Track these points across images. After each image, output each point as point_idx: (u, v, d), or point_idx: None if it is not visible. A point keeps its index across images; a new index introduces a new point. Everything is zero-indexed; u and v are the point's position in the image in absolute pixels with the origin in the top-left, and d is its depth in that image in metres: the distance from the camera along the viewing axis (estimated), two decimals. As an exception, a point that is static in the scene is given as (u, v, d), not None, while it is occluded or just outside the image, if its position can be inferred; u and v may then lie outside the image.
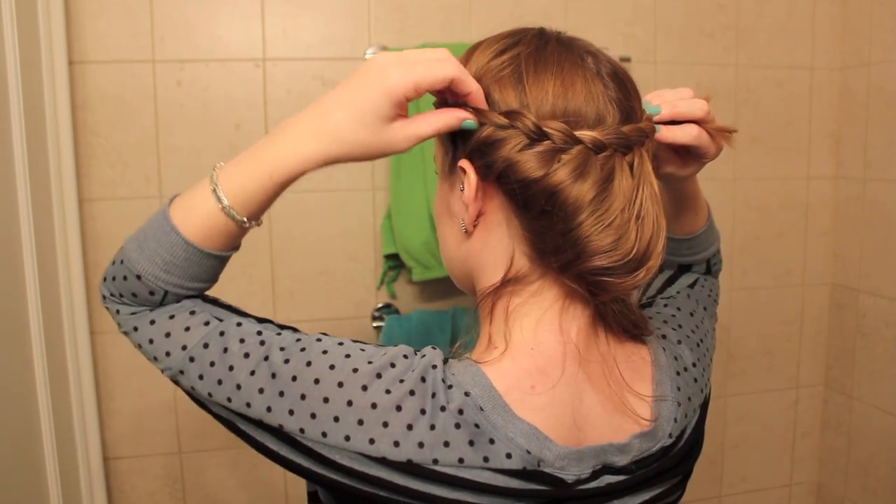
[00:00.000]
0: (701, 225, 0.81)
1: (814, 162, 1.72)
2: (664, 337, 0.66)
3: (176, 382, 0.60)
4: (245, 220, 0.57)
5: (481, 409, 0.52)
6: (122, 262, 0.58)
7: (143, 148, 1.36)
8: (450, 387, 0.53)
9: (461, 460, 0.51)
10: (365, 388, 0.52)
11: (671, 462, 0.61)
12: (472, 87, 0.53)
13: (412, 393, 0.52)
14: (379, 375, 0.53)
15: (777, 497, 1.83)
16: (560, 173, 0.51)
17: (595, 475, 0.56)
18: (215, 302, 0.62)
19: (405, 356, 0.55)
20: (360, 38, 1.42)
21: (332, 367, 0.54)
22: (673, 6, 1.57)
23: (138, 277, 0.57)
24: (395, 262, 1.45)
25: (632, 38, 1.56)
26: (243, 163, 0.56)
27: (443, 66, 0.52)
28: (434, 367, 0.54)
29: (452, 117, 0.53)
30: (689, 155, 0.65)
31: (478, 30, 1.47)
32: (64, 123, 1.26)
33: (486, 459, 0.52)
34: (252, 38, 1.38)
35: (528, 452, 0.52)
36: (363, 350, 0.56)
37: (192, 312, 0.59)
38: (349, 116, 0.53)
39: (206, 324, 0.58)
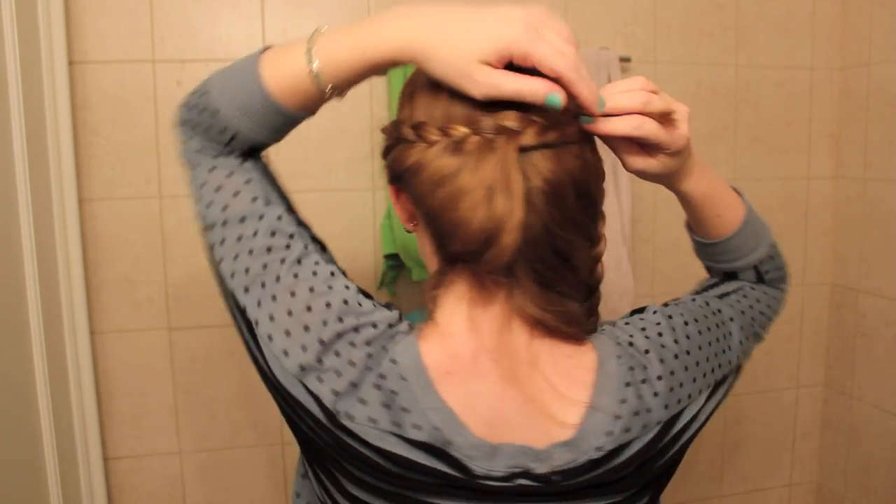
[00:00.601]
0: (731, 228, 0.75)
1: (814, 162, 1.72)
2: (630, 344, 0.60)
3: (203, 234, 0.61)
4: (328, 88, 0.57)
5: (404, 379, 0.53)
6: (203, 94, 0.60)
7: (143, 148, 1.36)
8: (387, 350, 0.54)
9: (372, 420, 0.53)
10: (325, 322, 0.54)
11: (608, 477, 0.55)
12: (580, 90, 0.52)
13: (353, 345, 0.54)
14: (341, 319, 0.54)
15: (777, 497, 1.83)
16: (426, 155, 0.53)
17: (510, 478, 0.54)
18: (274, 181, 0.64)
19: (390, 324, 0.56)
20: (360, 38, 1.42)
21: (311, 289, 0.55)
22: (673, 6, 1.57)
23: (215, 113, 0.58)
24: (394, 262, 1.45)
25: (632, 38, 1.56)
26: (344, 32, 0.56)
27: (560, 61, 0.50)
28: (390, 326, 0.56)
29: (542, 89, 0.50)
30: (650, 148, 0.61)
31: (478, 30, 1.47)
32: (64, 123, 1.26)
33: (396, 425, 0.53)
34: (252, 38, 1.38)
35: (437, 430, 0.53)
36: (360, 302, 0.56)
37: (248, 181, 0.60)
38: (458, 36, 0.51)
39: (254, 200, 0.59)
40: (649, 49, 1.57)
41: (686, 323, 0.64)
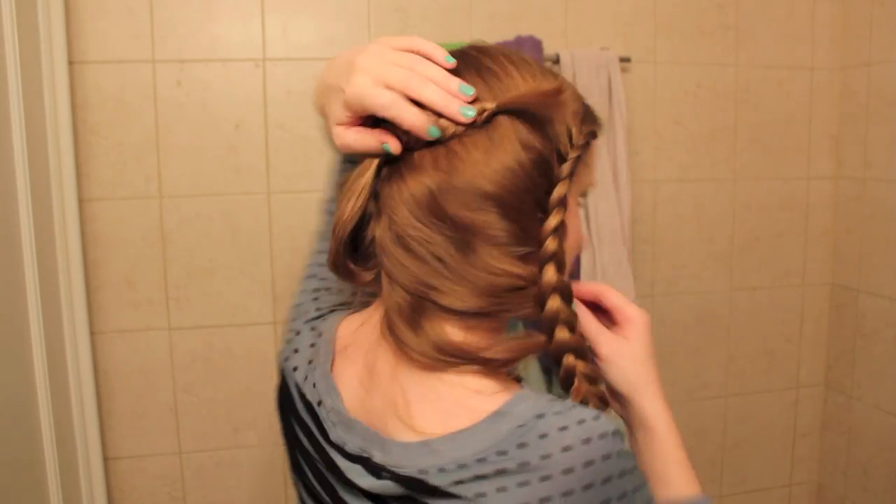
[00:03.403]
0: (673, 492, 0.67)
1: (814, 162, 1.72)
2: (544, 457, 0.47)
3: None
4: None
5: (321, 337, 0.63)
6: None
7: (143, 148, 1.36)
8: (325, 318, 0.65)
9: (296, 368, 0.63)
10: (297, 305, 0.69)
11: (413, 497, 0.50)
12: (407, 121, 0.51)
13: (313, 329, 0.65)
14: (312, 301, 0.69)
15: (777, 497, 1.83)
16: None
17: (354, 458, 0.53)
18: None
19: (343, 302, 0.67)
20: (360, 38, 1.42)
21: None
22: (673, 6, 1.57)
23: None
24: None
25: (632, 38, 1.56)
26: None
27: (386, 109, 0.50)
28: (342, 304, 0.67)
29: (375, 143, 0.53)
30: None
31: (478, 30, 1.47)
32: (64, 123, 1.26)
33: (305, 378, 0.61)
34: (252, 38, 1.38)
35: (315, 387, 0.59)
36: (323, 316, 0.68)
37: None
38: (328, 105, 0.56)
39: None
40: (649, 49, 1.57)
41: None
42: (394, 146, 0.52)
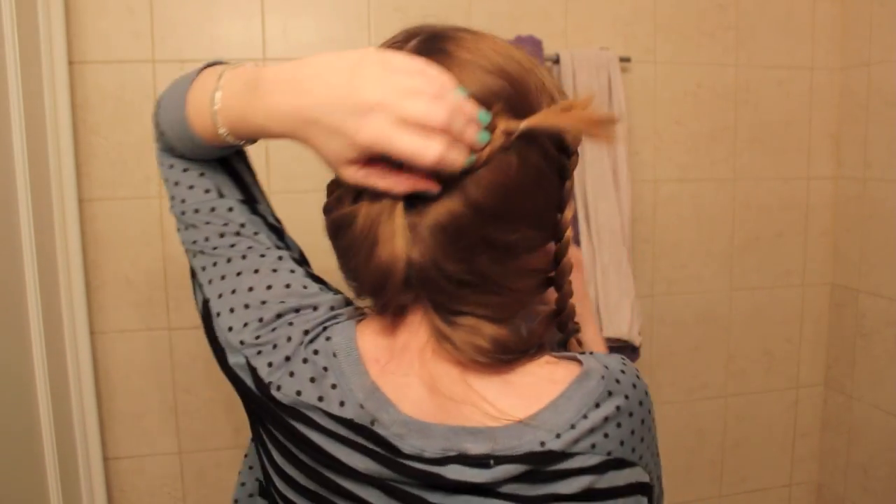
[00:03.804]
0: None
1: (814, 162, 1.72)
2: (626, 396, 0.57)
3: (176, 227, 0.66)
4: (225, 134, 0.57)
5: (335, 356, 0.55)
6: (157, 104, 0.64)
7: (143, 148, 1.36)
8: (325, 329, 0.57)
9: (298, 393, 0.55)
10: (264, 302, 0.58)
11: (550, 476, 0.52)
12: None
13: (291, 324, 0.57)
14: (282, 301, 0.58)
15: (777, 497, 1.83)
16: (330, 200, 0.66)
17: (443, 461, 0.52)
18: (236, 173, 0.65)
19: (332, 307, 0.60)
20: (360, 38, 1.42)
21: (256, 271, 0.60)
22: (673, 6, 1.57)
23: (158, 125, 0.63)
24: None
25: (632, 38, 1.56)
26: (243, 92, 0.56)
27: (403, 151, 0.47)
28: (332, 308, 0.59)
29: (392, 188, 0.50)
30: None
31: (477, 30, 1.47)
32: (64, 123, 1.26)
33: (320, 399, 0.54)
34: (252, 37, 1.38)
35: (362, 407, 0.54)
36: (305, 285, 0.60)
37: (202, 174, 0.64)
38: (328, 142, 0.50)
39: (207, 191, 0.63)
40: (649, 49, 1.57)
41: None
42: (434, 187, 0.50)
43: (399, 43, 0.58)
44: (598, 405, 0.54)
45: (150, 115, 1.34)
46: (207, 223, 0.62)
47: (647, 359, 1.65)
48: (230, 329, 0.58)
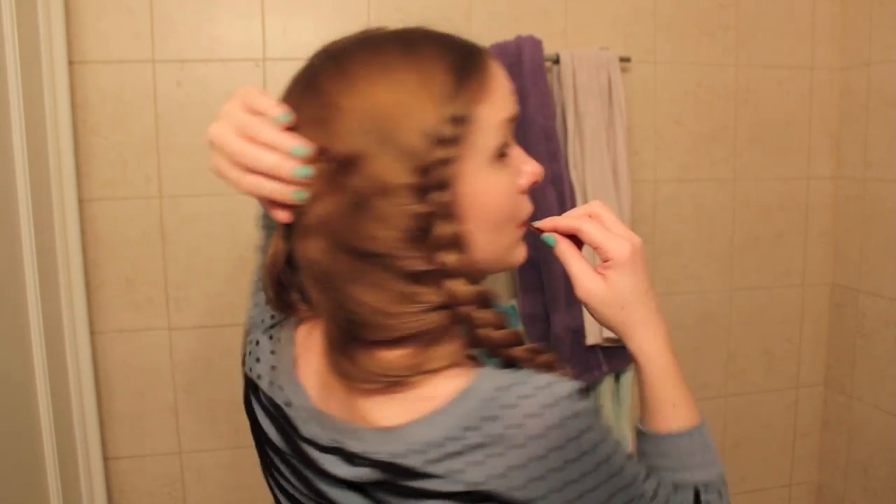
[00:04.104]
0: (673, 425, 0.63)
1: (814, 162, 1.72)
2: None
3: None
4: None
5: (282, 350, 0.63)
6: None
7: (143, 148, 1.36)
8: (282, 329, 0.65)
9: (259, 376, 0.64)
10: (252, 317, 0.71)
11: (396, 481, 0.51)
12: None
13: (271, 338, 0.66)
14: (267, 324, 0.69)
15: (777, 497, 1.83)
16: None
17: (330, 451, 0.54)
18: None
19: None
20: (360, 38, 1.42)
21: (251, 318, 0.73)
22: (673, 6, 1.57)
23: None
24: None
25: (632, 38, 1.56)
26: None
27: (238, 182, 0.55)
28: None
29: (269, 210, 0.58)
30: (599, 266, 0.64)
31: (478, 30, 1.47)
32: (64, 123, 1.26)
33: (258, 377, 0.64)
34: (252, 38, 1.38)
35: (282, 389, 0.60)
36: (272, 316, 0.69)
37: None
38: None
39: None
40: (649, 49, 1.57)
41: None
42: (282, 217, 0.54)
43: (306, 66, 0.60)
44: (469, 429, 0.49)
45: (150, 114, 1.35)
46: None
47: (647, 359, 1.65)
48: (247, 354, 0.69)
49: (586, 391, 0.55)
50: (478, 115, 0.52)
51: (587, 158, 1.46)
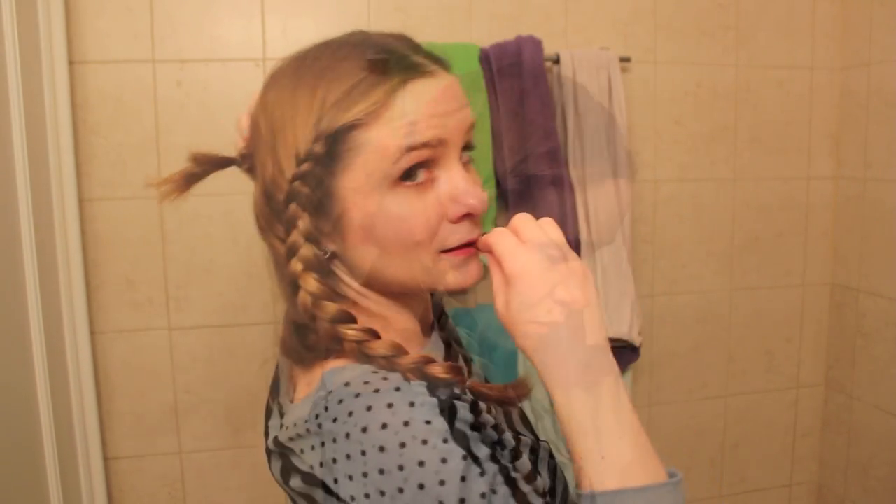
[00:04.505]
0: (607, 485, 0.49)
1: (814, 162, 1.72)
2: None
3: None
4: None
5: None
6: None
7: (143, 148, 1.36)
8: None
9: None
10: None
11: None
12: None
13: None
14: None
15: (777, 497, 1.83)
16: None
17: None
18: None
19: None
20: (360, 38, 1.42)
21: None
22: (673, 6, 1.57)
23: None
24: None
25: (632, 38, 1.56)
26: None
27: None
28: None
29: None
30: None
31: (478, 30, 1.47)
32: (64, 123, 1.26)
33: None
34: (252, 38, 1.38)
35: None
36: None
37: None
38: None
39: None
40: (649, 49, 1.57)
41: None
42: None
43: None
44: (315, 416, 0.52)
45: (150, 114, 1.35)
46: None
47: (647, 359, 1.65)
48: None
49: (437, 405, 0.48)
50: (359, 137, 0.53)
51: (587, 158, 1.46)
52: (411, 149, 0.53)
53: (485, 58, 1.40)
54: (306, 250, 0.55)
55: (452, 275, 0.57)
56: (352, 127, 0.52)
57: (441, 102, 0.54)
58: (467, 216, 0.56)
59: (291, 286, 0.55)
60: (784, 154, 1.70)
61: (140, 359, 1.40)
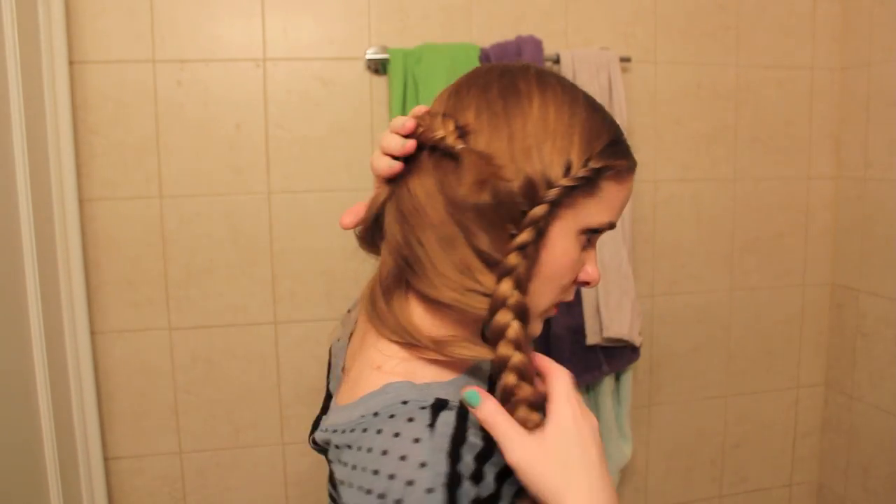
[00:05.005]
0: None
1: (814, 162, 1.72)
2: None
3: None
4: None
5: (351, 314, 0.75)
6: None
7: (143, 148, 1.36)
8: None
9: (338, 339, 0.74)
10: None
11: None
12: None
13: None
14: None
15: (777, 497, 1.83)
16: None
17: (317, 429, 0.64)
18: None
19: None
20: (361, 38, 1.42)
21: None
22: (673, 6, 1.57)
23: None
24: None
25: (632, 38, 1.56)
26: None
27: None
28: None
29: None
30: None
31: (478, 30, 1.47)
32: (64, 123, 1.26)
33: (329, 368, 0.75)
34: (252, 38, 1.38)
35: (336, 357, 0.71)
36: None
37: None
38: None
39: None
40: (649, 49, 1.57)
41: None
42: (392, 168, 0.61)
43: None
44: (344, 431, 0.55)
45: (150, 114, 1.35)
46: None
47: (647, 359, 1.65)
48: None
49: (451, 480, 0.48)
50: (603, 187, 0.57)
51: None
52: (608, 227, 0.59)
53: (485, 58, 1.40)
54: (518, 298, 0.54)
55: (539, 324, 0.61)
56: (603, 172, 0.56)
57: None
58: (580, 283, 0.62)
59: (493, 332, 0.53)
60: (784, 154, 1.70)
61: (140, 359, 1.40)
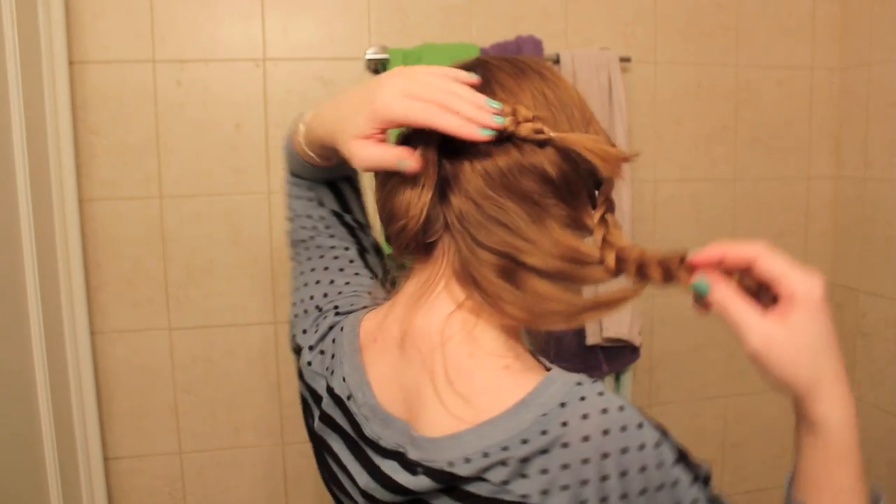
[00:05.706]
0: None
1: (814, 162, 1.72)
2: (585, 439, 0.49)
3: None
4: (308, 149, 0.65)
5: (342, 340, 0.63)
6: (283, 147, 0.74)
7: (143, 148, 1.36)
8: (346, 319, 0.65)
9: (309, 363, 0.65)
10: (325, 295, 0.71)
11: (458, 497, 0.50)
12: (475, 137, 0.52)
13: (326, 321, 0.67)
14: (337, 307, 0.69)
15: (777, 497, 1.82)
16: None
17: (390, 453, 0.55)
18: (336, 190, 0.74)
19: (365, 306, 0.67)
20: (361, 38, 1.42)
21: (325, 269, 0.72)
22: (673, 6, 1.57)
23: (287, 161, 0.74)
24: (396, 263, 1.44)
25: (632, 38, 1.56)
26: (312, 116, 0.64)
27: (417, 114, 0.51)
28: (365, 308, 0.66)
29: (392, 159, 0.53)
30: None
31: (478, 30, 1.47)
32: (64, 123, 1.26)
33: (329, 371, 0.63)
34: (252, 38, 1.38)
35: (344, 380, 0.60)
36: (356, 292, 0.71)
37: (310, 189, 0.73)
38: (345, 119, 0.56)
39: (309, 199, 0.73)
40: (649, 49, 1.57)
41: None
42: (411, 164, 0.53)
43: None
44: (525, 441, 0.48)
45: (150, 114, 1.36)
46: (303, 227, 0.72)
47: (647, 359, 1.65)
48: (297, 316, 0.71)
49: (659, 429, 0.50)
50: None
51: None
52: None
53: (485, 58, 1.40)
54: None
55: None
56: None
57: None
58: None
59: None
60: (784, 154, 1.70)
61: (140, 359, 1.40)
